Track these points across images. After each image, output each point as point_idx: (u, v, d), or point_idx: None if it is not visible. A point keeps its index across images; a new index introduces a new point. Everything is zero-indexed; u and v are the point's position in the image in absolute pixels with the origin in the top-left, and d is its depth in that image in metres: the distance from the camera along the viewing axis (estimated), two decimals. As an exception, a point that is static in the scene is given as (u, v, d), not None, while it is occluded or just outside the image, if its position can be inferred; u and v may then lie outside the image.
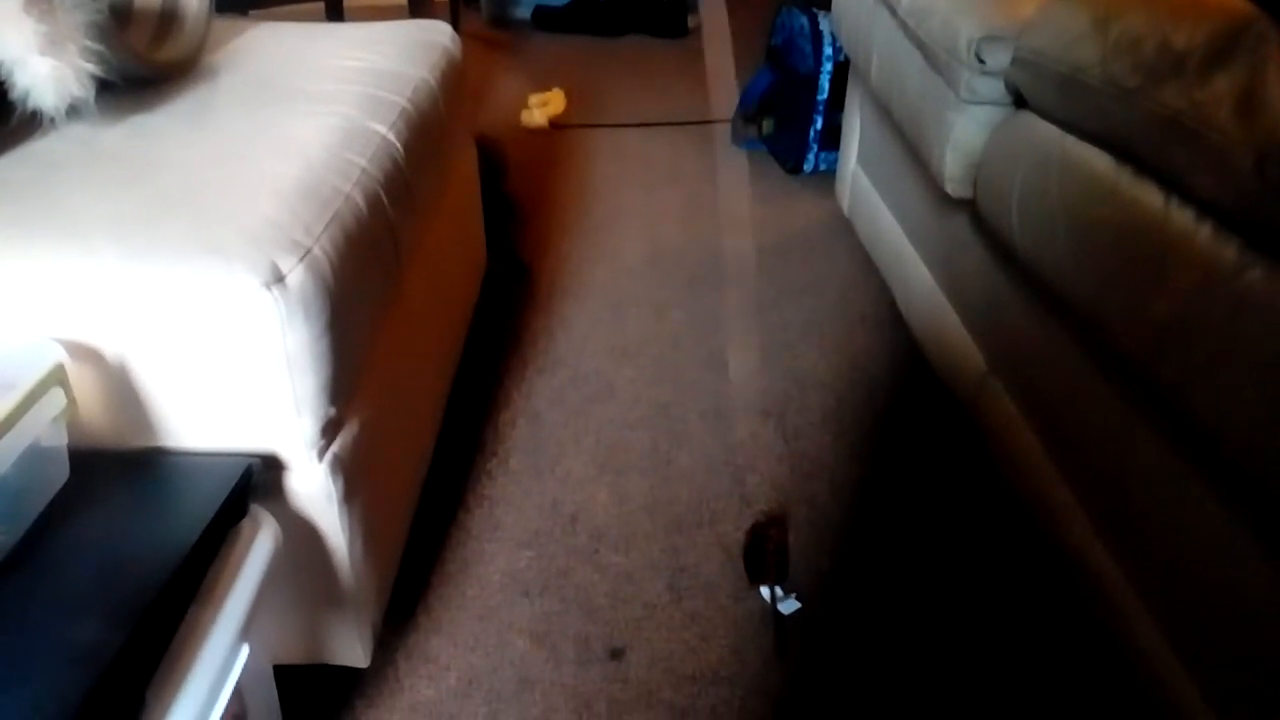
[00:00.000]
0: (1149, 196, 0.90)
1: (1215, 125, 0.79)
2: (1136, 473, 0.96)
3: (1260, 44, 0.79)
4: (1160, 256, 0.86)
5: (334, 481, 0.85)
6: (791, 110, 2.28)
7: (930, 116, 1.38)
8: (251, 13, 2.23)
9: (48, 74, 0.88)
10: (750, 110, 2.44)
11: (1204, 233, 0.82)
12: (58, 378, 0.70)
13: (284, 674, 0.92)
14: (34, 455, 0.69)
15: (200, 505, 0.75)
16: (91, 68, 0.90)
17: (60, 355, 0.71)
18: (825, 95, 2.18)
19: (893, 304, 1.73)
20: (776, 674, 1.05)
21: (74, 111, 0.92)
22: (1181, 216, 0.85)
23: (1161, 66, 0.88)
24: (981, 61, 1.22)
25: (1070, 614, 1.11)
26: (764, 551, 1.18)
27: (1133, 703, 0.99)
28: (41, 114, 0.90)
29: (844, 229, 2.04)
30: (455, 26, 1.50)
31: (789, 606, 1.12)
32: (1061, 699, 1.03)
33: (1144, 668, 0.95)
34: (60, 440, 0.74)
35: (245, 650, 0.75)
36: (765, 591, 1.14)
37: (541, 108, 2.58)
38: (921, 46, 1.40)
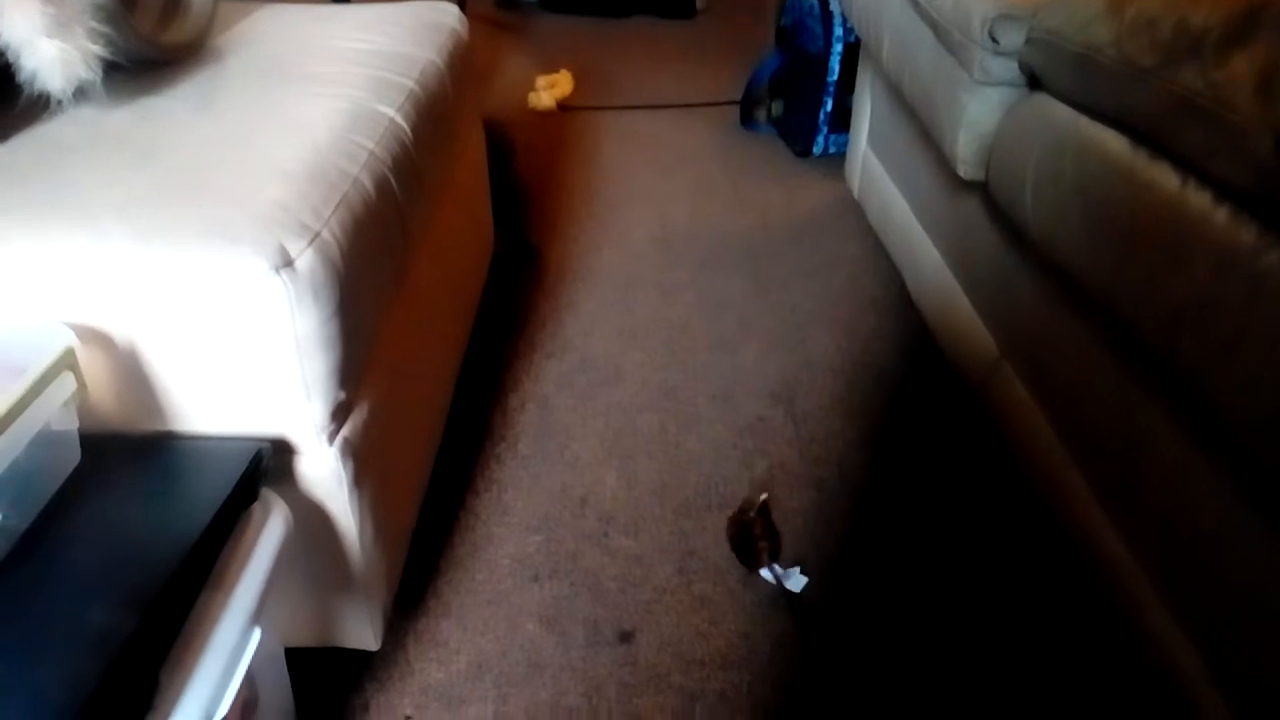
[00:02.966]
0: (1165, 178, 0.89)
1: (1233, 106, 0.78)
2: (1150, 457, 0.95)
3: (1279, 24, 0.78)
4: (1177, 239, 0.86)
5: (344, 465, 0.85)
6: (801, 92, 2.27)
7: (942, 98, 1.36)
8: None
9: (55, 56, 0.87)
10: (759, 92, 2.43)
11: (1222, 215, 0.81)
12: (68, 362, 0.70)
13: (295, 656, 0.92)
14: (45, 439, 0.69)
15: (211, 489, 0.75)
16: (99, 50, 0.90)
17: (70, 339, 0.71)
18: (835, 77, 2.16)
19: (903, 287, 1.72)
20: (786, 657, 1.05)
21: (81, 94, 0.91)
22: (1199, 198, 0.84)
23: (1178, 46, 0.87)
24: (995, 41, 1.21)
25: (1081, 598, 1.11)
26: (751, 537, 1.17)
27: (1144, 687, 0.98)
28: (49, 97, 0.90)
29: (854, 212, 2.03)
30: (462, 8, 1.49)
31: (798, 583, 1.12)
32: (1072, 683, 1.03)
33: (1155, 652, 0.95)
34: (71, 424, 0.74)
35: (257, 633, 0.75)
36: (767, 574, 1.13)
37: (549, 90, 2.57)
38: (934, 26, 1.39)
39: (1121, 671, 1.03)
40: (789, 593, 1.12)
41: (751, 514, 1.19)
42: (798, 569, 1.14)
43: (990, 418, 1.36)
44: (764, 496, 1.21)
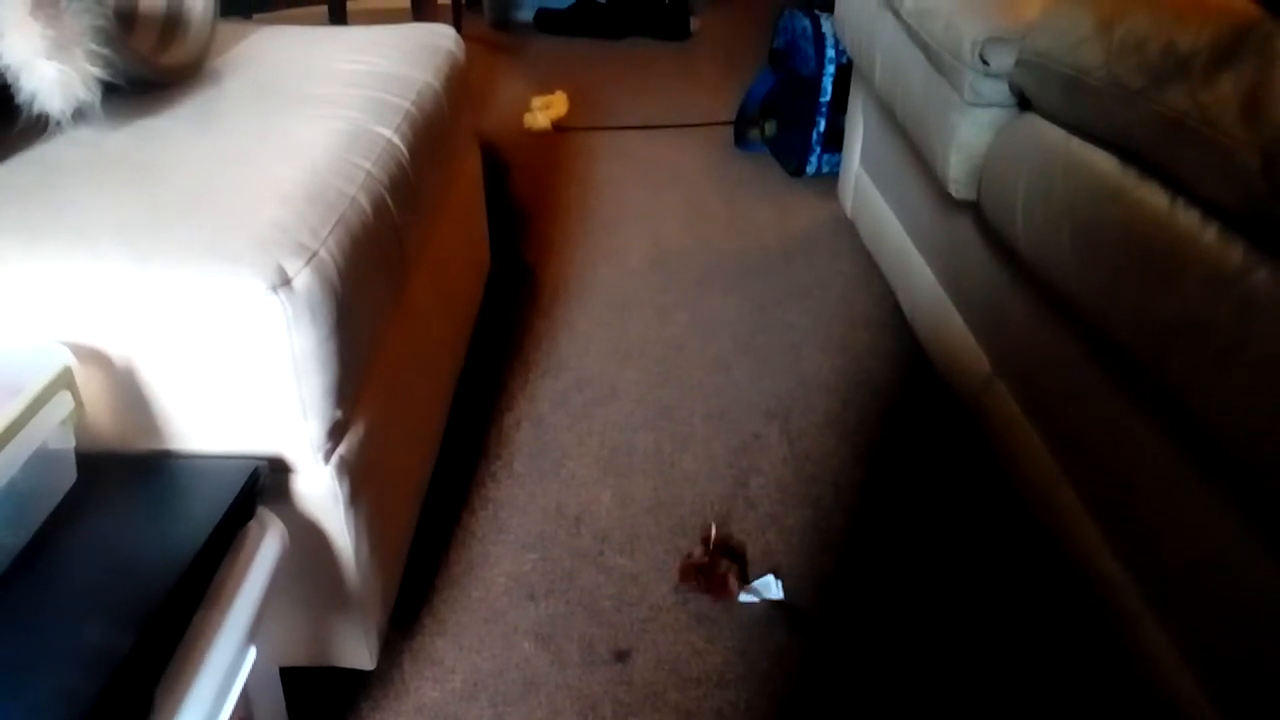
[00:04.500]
0: (1154, 198, 0.90)
1: (1221, 127, 0.79)
2: (1142, 474, 0.96)
3: (1266, 45, 0.79)
4: (1166, 258, 0.86)
5: (340, 484, 0.86)
6: (794, 112, 2.28)
7: (934, 118, 1.38)
8: (255, 16, 2.23)
9: (54, 78, 0.88)
10: (753, 113, 2.44)
11: (1210, 234, 0.82)
12: (65, 381, 0.70)
13: (290, 676, 0.92)
14: (42, 458, 0.69)
15: (207, 508, 0.75)
16: (97, 72, 0.90)
17: (67, 358, 0.71)
18: (828, 97, 2.18)
19: (896, 306, 1.73)
20: (783, 675, 1.05)
21: (80, 115, 0.92)
22: (1187, 218, 0.85)
23: (1166, 68, 0.88)
24: (985, 63, 1.22)
25: (1075, 616, 1.11)
26: (714, 571, 1.14)
27: (1138, 705, 0.98)
28: (48, 118, 0.90)
29: (847, 231, 2.04)
30: (458, 29, 1.50)
31: (778, 590, 1.12)
32: (1066, 702, 1.03)
33: (1150, 671, 0.95)
34: (68, 443, 0.74)
35: (252, 653, 0.75)
36: (747, 596, 1.12)
37: (544, 110, 2.59)
38: (925, 48, 1.40)
39: (1116, 689, 1.03)
40: (780, 605, 1.12)
41: (698, 552, 1.16)
42: (770, 576, 1.14)
43: (983, 435, 1.36)
44: (713, 529, 1.19)
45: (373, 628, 0.96)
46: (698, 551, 1.17)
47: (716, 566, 1.14)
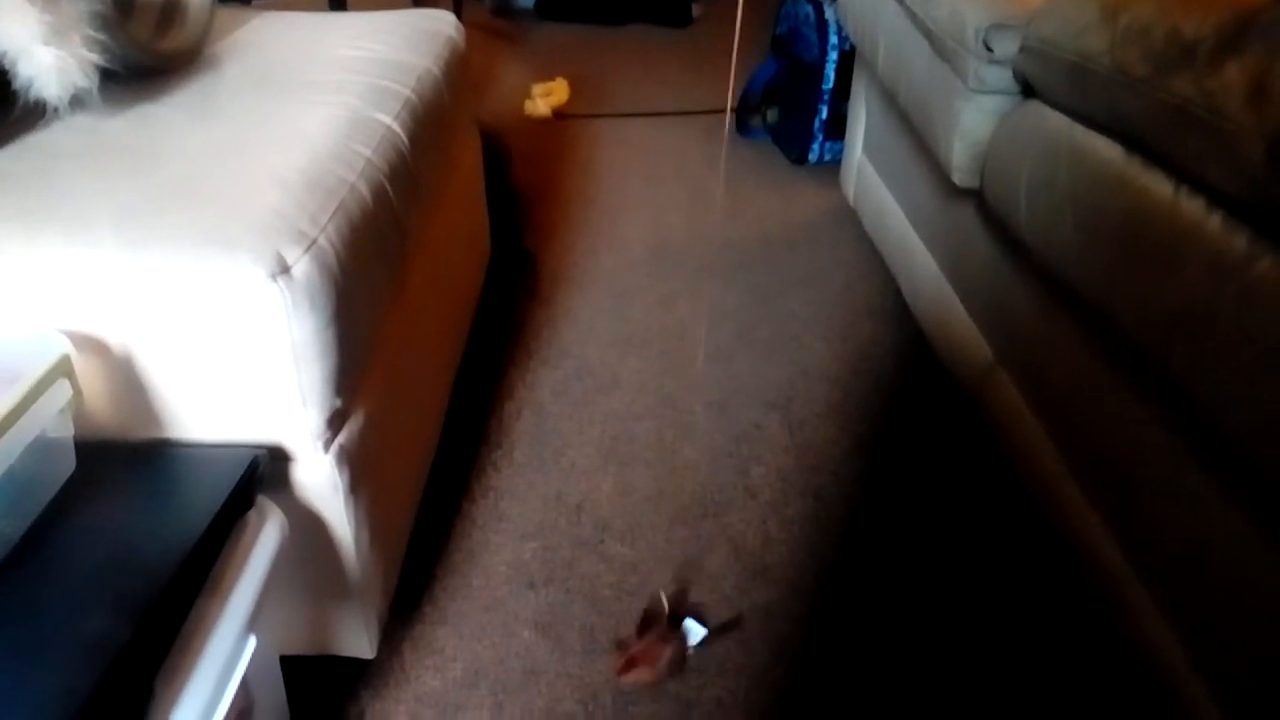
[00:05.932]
0: (1158, 186, 0.89)
1: (1225, 114, 0.79)
2: (1144, 463, 0.96)
3: (1271, 33, 0.78)
4: (1170, 246, 0.86)
5: (340, 473, 0.85)
6: (796, 100, 2.27)
7: (937, 105, 1.37)
8: (254, 2, 2.22)
9: (51, 64, 0.87)
10: (755, 100, 2.43)
11: (1214, 222, 0.81)
12: (64, 369, 0.70)
13: (290, 665, 0.92)
14: (41, 447, 0.69)
15: (207, 497, 0.75)
16: (95, 58, 0.90)
17: (66, 347, 0.71)
18: (830, 84, 2.17)
19: (898, 294, 1.73)
20: (782, 664, 1.05)
21: (77, 102, 0.91)
22: (1191, 206, 0.84)
23: (1171, 55, 0.87)
24: (989, 50, 1.21)
25: (1077, 605, 1.11)
26: (663, 658, 1.02)
27: (1139, 695, 0.99)
28: (45, 104, 0.90)
29: (849, 219, 2.03)
30: (458, 15, 1.49)
31: (699, 630, 1.06)
32: (1067, 691, 1.03)
33: (1150, 659, 0.95)
34: (67, 432, 0.74)
35: (252, 641, 0.75)
36: (694, 648, 1.05)
37: (545, 97, 2.58)
38: (929, 35, 1.39)
39: (1117, 678, 1.03)
40: (711, 637, 1.07)
41: (635, 645, 1.03)
42: (687, 620, 1.07)
43: (985, 424, 1.36)
44: (663, 600, 1.09)
45: (373, 616, 0.96)
46: (635, 644, 1.04)
47: (660, 650, 1.02)
